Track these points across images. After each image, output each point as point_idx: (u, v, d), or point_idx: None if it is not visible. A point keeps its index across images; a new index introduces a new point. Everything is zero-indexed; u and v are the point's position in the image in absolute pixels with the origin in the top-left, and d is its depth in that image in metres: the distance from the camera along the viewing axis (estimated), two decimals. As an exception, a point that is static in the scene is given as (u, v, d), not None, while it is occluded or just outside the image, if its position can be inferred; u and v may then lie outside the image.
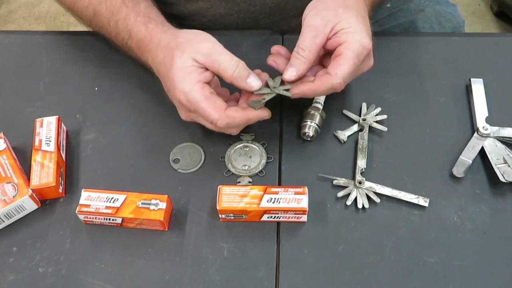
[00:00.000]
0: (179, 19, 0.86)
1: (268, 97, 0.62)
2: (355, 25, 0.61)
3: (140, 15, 0.69)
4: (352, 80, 0.64)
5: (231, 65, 0.61)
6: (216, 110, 0.61)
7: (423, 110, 0.72)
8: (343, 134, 0.69)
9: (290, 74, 0.62)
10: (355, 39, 0.60)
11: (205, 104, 0.61)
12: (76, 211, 0.62)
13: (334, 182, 0.65)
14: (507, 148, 0.66)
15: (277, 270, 0.60)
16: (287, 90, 0.62)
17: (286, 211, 0.61)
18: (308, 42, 0.61)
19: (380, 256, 0.60)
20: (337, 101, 0.73)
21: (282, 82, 0.63)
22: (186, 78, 0.61)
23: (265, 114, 0.64)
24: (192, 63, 0.61)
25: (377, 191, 0.64)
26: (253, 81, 0.62)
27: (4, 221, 0.63)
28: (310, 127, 0.68)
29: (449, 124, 0.70)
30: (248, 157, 0.68)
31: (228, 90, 0.69)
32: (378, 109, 0.72)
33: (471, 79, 0.73)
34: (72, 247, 0.62)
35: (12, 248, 0.62)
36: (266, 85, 0.64)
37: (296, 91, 0.62)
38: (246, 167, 0.67)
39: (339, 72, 0.60)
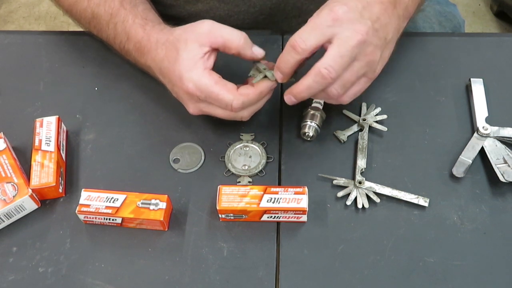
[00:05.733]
0: (178, 21, 0.85)
1: (264, 74, 0.64)
2: (347, 24, 0.58)
3: (138, 18, 0.69)
4: (359, 73, 0.60)
5: (235, 35, 0.62)
6: (229, 91, 0.61)
7: (423, 110, 0.72)
8: (343, 134, 0.69)
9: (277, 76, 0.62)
10: (343, 34, 0.57)
11: (217, 88, 0.61)
12: (76, 211, 0.62)
13: (334, 182, 0.65)
14: (507, 148, 0.66)
15: (277, 270, 0.60)
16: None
17: (286, 211, 0.61)
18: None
19: (380, 256, 0.60)
20: (337, 101, 0.73)
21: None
22: (193, 67, 0.61)
23: (273, 83, 0.64)
24: (197, 51, 0.61)
25: (377, 191, 0.64)
26: (258, 49, 0.63)
27: (4, 221, 0.63)
28: (310, 127, 0.68)
29: (449, 124, 0.70)
30: (248, 157, 0.68)
31: None
32: (378, 109, 0.72)
33: (471, 79, 0.73)
34: (72, 247, 0.62)
35: (12, 248, 0.62)
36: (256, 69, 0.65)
37: (288, 94, 0.61)
38: (246, 167, 0.67)
39: (323, 59, 0.57)
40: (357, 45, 0.57)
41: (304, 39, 0.57)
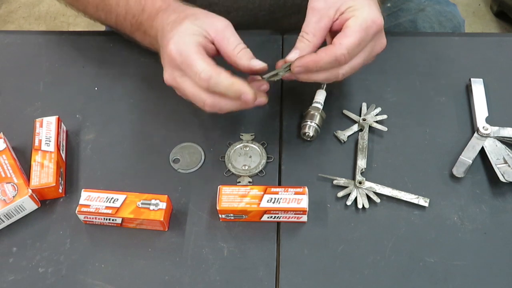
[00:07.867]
0: None
1: (280, 74, 0.62)
2: (362, 2, 0.60)
3: None
4: (365, 60, 0.62)
5: (238, 46, 0.62)
6: (205, 62, 0.58)
7: (423, 110, 0.72)
8: (343, 134, 0.69)
9: (293, 55, 0.61)
10: (363, 13, 0.59)
11: (195, 56, 0.59)
12: (76, 211, 0.62)
13: (334, 182, 0.65)
14: (507, 148, 0.66)
15: (277, 270, 0.60)
16: (289, 68, 0.61)
17: (286, 211, 0.61)
18: (312, 26, 0.61)
19: (380, 256, 0.60)
20: (337, 101, 0.73)
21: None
22: (186, 36, 0.60)
23: (252, 93, 0.59)
24: (200, 30, 0.61)
25: (377, 191, 0.64)
26: (256, 61, 0.62)
27: (4, 221, 0.63)
28: (310, 127, 0.68)
29: (449, 124, 0.70)
30: (248, 157, 0.68)
31: None
32: (378, 109, 0.72)
33: (471, 79, 0.73)
34: (72, 247, 0.62)
35: (12, 248, 0.62)
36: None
37: (298, 64, 0.60)
38: (246, 167, 0.67)
39: (343, 42, 0.59)
40: (374, 34, 0.61)
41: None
